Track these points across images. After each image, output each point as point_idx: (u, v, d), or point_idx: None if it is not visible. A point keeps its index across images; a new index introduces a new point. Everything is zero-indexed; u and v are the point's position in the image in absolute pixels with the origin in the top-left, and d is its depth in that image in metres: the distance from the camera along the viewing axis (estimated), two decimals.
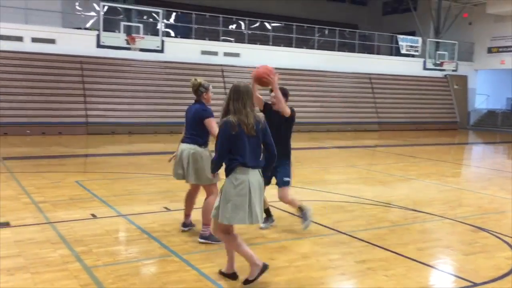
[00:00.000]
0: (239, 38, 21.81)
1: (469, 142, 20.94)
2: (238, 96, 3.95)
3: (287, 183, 5.53)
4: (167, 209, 6.69)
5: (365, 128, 22.18)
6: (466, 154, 16.67)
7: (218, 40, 20.83)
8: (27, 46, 16.79)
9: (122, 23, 17.34)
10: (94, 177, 8.87)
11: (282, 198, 5.59)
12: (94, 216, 6.13)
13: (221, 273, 4.26)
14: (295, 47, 22.64)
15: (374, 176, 10.17)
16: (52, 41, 17.17)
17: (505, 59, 25.73)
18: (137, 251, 4.93)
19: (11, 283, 4.01)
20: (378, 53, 25.96)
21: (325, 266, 4.67)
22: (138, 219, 6.02)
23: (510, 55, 25.54)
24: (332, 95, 22.28)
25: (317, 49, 23.43)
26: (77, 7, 19.88)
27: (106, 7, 17.14)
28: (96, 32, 17.34)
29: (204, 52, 19.88)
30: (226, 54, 20.35)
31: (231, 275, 4.20)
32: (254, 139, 3.97)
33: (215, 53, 20.14)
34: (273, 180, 5.51)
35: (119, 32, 17.26)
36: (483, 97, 28.29)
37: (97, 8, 17.72)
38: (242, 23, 22.30)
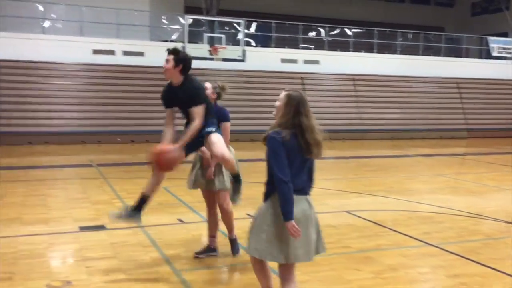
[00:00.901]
0: (319, 45, 21.74)
1: None
2: (307, 111, 3.25)
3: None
4: (251, 216, 6.77)
5: (452, 135, 21.12)
6: None
7: (297, 47, 20.89)
8: (119, 59, 17.85)
9: (206, 35, 17.93)
10: (180, 184, 9.21)
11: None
12: (181, 221, 6.36)
13: None
14: (377, 52, 22.15)
15: (464, 185, 9.64)
16: (141, 54, 18.13)
17: None
18: (224, 257, 5.04)
19: (107, 284, 4.27)
20: (466, 57, 24.69)
21: (415, 279, 4.50)
22: (224, 226, 6.14)
23: None
24: (416, 101, 21.47)
25: (400, 53, 22.74)
26: (164, 21, 20.83)
27: (190, 20, 17.82)
28: (181, 44, 18.06)
29: (284, 60, 20.01)
30: (306, 61, 20.34)
31: None
32: (308, 160, 3.28)
33: (295, 61, 20.20)
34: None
35: (203, 43, 17.86)
36: None
37: (182, 21, 18.46)
38: (321, 30, 22.21)
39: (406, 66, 21.76)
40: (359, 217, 6.19)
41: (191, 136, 4.30)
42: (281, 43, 21.01)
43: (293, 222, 3.06)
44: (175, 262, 4.75)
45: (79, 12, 18.05)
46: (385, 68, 21.32)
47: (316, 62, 20.42)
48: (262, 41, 21.16)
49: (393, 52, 23.00)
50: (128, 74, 17.80)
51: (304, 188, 3.24)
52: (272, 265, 3.42)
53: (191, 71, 4.53)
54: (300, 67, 20.19)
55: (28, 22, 17.57)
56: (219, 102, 5.10)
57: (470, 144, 19.01)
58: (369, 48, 22.49)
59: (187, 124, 4.48)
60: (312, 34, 22.77)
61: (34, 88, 16.45)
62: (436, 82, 22.33)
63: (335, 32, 22.62)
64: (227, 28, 19.42)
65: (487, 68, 23.41)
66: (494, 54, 23.20)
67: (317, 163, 3.37)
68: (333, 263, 4.75)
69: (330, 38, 21.99)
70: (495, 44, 23.15)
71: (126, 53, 17.97)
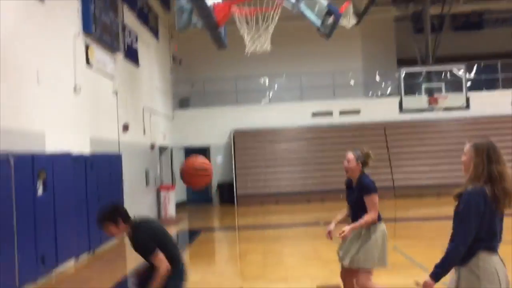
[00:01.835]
0: None
1: None
2: (499, 157, 2.93)
3: None
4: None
5: None
6: None
7: None
8: (336, 119, 18.55)
9: (423, 85, 17.40)
10: (409, 243, 8.85)
11: None
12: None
13: None
14: None
15: None
16: (357, 112, 18.53)
17: None
18: None
19: None
20: None
21: None
22: None
23: None
24: None
25: None
26: (378, 76, 21.03)
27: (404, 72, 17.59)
28: (397, 98, 17.89)
29: None
30: None
31: None
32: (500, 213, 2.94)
33: None
34: None
35: (420, 94, 17.34)
36: None
37: (397, 75, 18.37)
38: None
39: None
40: None
41: None
42: (510, 84, 19.02)
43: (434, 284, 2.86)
44: None
45: (299, 80, 19.55)
46: None
47: None
48: (486, 84, 19.51)
49: None
50: (344, 133, 18.30)
51: (497, 245, 2.91)
52: None
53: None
54: None
55: (256, 94, 19.75)
56: None
57: None
58: None
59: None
60: None
61: (262, 152, 18.16)
62: None
63: None
64: (446, 75, 18.51)
65: None
66: None
67: None
68: None
69: None
70: None
71: (342, 112, 18.59)
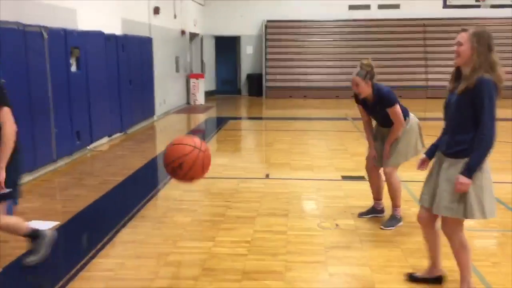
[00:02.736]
0: None
1: None
2: (493, 45, 2.95)
3: None
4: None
5: None
6: None
7: None
8: (374, 13, 17.68)
9: None
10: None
11: None
12: None
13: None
14: None
15: None
16: (396, 6, 17.58)
17: None
18: (494, 221, 4.66)
19: (370, 231, 4.42)
20: None
21: None
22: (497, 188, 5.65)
23: None
24: None
25: None
26: None
27: None
28: None
29: None
30: None
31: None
32: None
33: None
34: None
35: None
36: None
37: None
38: None
39: None
40: None
41: None
42: None
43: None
44: None
45: None
46: None
47: None
48: None
49: None
50: (383, 28, 17.53)
51: None
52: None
53: None
54: None
55: None
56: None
57: None
58: None
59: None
60: None
61: (295, 45, 17.69)
62: None
63: None
64: None
65: None
66: None
67: None
68: None
69: None
70: None
71: (381, 6, 17.67)
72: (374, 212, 4.79)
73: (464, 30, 2.97)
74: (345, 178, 6.30)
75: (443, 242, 3.27)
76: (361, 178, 6.12)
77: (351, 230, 4.45)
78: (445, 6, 16.47)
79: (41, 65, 6.35)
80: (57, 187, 6.13)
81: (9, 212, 3.78)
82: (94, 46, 7.97)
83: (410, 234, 4.28)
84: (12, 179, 3.36)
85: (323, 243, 4.14)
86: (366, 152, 4.82)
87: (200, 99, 15.21)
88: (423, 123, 4.79)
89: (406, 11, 17.42)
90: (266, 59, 17.50)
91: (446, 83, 3.19)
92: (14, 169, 3.39)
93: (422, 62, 16.96)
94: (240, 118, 13.35)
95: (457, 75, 3.05)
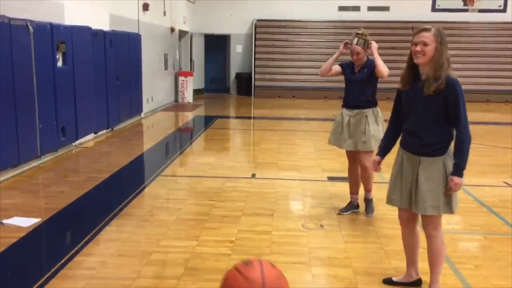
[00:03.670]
0: None
1: None
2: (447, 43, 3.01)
3: None
4: (508, 184, 6.14)
5: None
6: None
7: None
8: (364, 14, 17.76)
9: None
10: None
11: None
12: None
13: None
14: None
15: None
16: (386, 8, 17.67)
17: None
18: (477, 224, 4.70)
19: (355, 232, 4.43)
20: None
21: None
22: (476, 191, 5.71)
23: None
24: None
25: None
26: None
27: None
28: None
29: None
30: None
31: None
32: None
33: None
34: None
35: None
36: None
37: None
38: None
39: None
40: None
41: None
42: None
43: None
44: None
45: None
46: None
47: None
48: None
49: None
50: (372, 30, 17.57)
51: None
52: None
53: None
54: None
55: None
56: None
57: None
58: None
59: None
60: None
61: (284, 45, 17.69)
62: None
63: None
64: None
65: None
66: None
67: None
68: None
69: None
70: None
71: (371, 8, 17.75)
72: (353, 207, 4.90)
73: (426, 30, 2.97)
74: (331, 179, 6.31)
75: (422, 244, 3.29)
76: (347, 179, 6.14)
77: (335, 231, 4.46)
78: (434, 9, 16.61)
79: (26, 60, 6.27)
80: (41, 184, 6.06)
81: None
82: (81, 42, 7.89)
83: (394, 236, 4.30)
84: None
85: (307, 244, 4.14)
86: None
87: (188, 97, 15.15)
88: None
89: (396, 14, 17.52)
90: (255, 58, 17.48)
91: None
92: None
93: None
94: (228, 117, 13.32)
95: (413, 74, 3.05)
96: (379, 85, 4.74)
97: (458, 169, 2.95)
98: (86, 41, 8.10)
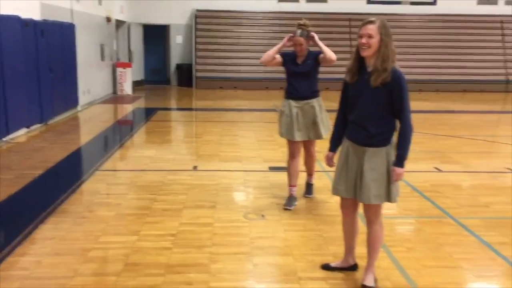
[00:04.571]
0: None
1: None
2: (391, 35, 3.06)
3: None
4: (438, 170, 6.47)
5: None
6: None
7: None
8: (303, 6, 18.00)
9: None
10: None
11: None
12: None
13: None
14: None
15: None
16: (324, 0, 17.99)
17: None
18: (410, 209, 4.93)
19: (292, 220, 4.52)
20: None
21: None
22: (409, 177, 5.97)
23: None
24: None
25: None
26: None
27: None
28: None
29: (480, 2, 17.95)
30: (508, 2, 17.94)
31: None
32: None
33: (494, 2, 17.96)
34: None
35: None
36: None
37: None
38: None
39: None
40: None
41: None
42: None
43: None
44: None
45: None
46: None
47: None
48: None
49: None
50: (311, 22, 17.78)
51: None
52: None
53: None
54: (500, 9, 17.92)
55: None
56: None
57: None
58: None
59: None
60: None
61: (225, 36, 17.62)
62: None
63: None
64: None
65: None
66: None
67: None
68: None
69: None
70: None
71: (309, 0, 18.01)
72: (295, 200, 4.93)
73: (371, 22, 3.01)
74: (272, 169, 6.39)
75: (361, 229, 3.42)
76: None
77: (276, 220, 4.53)
78: (369, 1, 17.10)
79: None
80: None
81: None
82: (9, 33, 7.49)
83: (332, 222, 4.43)
84: None
85: (248, 234, 4.18)
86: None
87: (127, 89, 14.79)
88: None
89: (333, 6, 17.88)
90: (195, 49, 17.31)
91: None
92: None
93: (348, 56, 17.48)
94: (169, 109, 13.14)
95: (359, 67, 3.11)
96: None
97: (401, 160, 3.07)
98: (15, 31, 7.70)
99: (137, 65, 17.17)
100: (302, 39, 4.59)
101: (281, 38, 4.82)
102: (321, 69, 4.79)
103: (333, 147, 3.37)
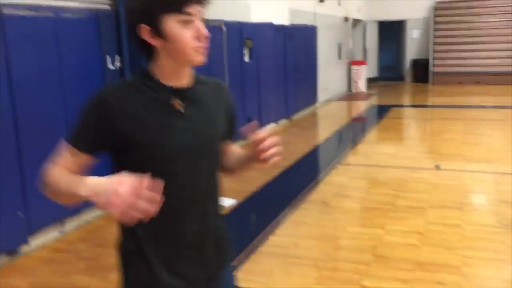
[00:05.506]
0: None
1: None
2: None
3: None
4: None
5: None
6: None
7: None
8: None
9: None
10: None
11: None
12: None
13: None
14: None
15: None
16: None
17: None
18: None
19: None
20: None
21: None
22: None
23: None
24: None
25: None
26: None
27: None
28: None
29: None
30: None
31: None
32: None
33: None
34: None
35: None
36: None
37: None
38: None
39: None
40: None
41: None
42: None
43: None
44: None
45: None
46: None
47: None
48: None
49: None
50: None
51: None
52: None
53: None
54: None
55: None
56: None
57: None
58: None
59: None
60: None
61: (464, 27, 16.34)
62: None
63: None
64: None
65: None
66: None
67: None
68: None
69: None
70: None
71: None
72: None
73: None
74: None
75: None
76: None
77: None
78: None
79: (219, 55, 6.92)
80: None
81: None
82: (264, 37, 8.40)
83: None
84: None
85: (505, 241, 3.86)
86: None
87: (361, 86, 15.02)
88: None
89: None
90: (434, 43, 16.50)
91: None
92: None
93: None
94: (404, 106, 12.87)
95: None
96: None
97: None
98: (269, 36, 8.60)
99: (371, 62, 17.27)
100: None
101: None
102: None
103: None
